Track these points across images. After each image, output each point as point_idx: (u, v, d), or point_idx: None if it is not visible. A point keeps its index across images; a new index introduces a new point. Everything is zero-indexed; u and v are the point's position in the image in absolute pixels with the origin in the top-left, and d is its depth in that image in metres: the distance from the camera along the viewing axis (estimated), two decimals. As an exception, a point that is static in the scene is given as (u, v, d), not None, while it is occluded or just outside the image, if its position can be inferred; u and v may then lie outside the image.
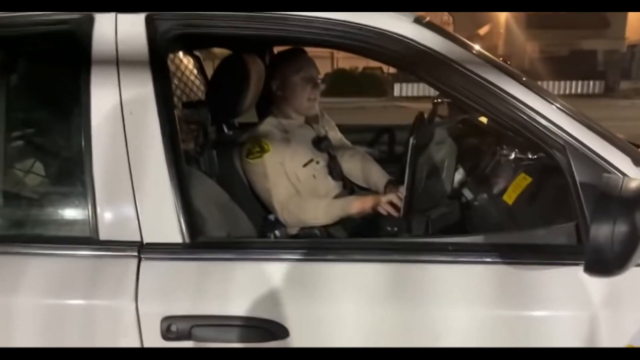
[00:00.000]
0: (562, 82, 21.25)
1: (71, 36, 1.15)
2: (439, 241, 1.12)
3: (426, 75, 1.14)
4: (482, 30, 28.64)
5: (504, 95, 1.07)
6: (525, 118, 1.07)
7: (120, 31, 1.14)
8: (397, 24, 1.12)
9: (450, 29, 30.38)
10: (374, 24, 1.12)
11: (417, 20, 1.16)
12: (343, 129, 2.41)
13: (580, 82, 21.31)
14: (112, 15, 1.14)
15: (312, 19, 1.13)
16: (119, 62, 1.12)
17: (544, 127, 1.06)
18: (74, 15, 1.15)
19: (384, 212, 1.81)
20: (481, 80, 1.08)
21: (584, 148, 1.05)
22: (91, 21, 1.14)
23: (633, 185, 0.88)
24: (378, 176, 2.20)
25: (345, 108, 13.97)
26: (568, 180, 1.05)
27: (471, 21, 27.79)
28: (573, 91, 21.31)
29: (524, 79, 1.13)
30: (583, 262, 0.90)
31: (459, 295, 1.03)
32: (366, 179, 2.23)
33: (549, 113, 1.07)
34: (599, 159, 1.04)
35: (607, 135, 1.09)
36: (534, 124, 1.07)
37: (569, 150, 1.05)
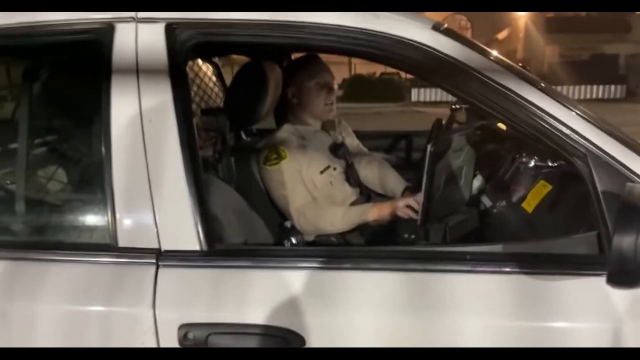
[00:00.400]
0: (583, 87, 21.01)
1: (92, 45, 1.16)
2: (457, 250, 1.11)
3: (444, 82, 1.13)
4: (501, 35, 28.43)
5: (523, 102, 1.06)
6: (545, 125, 1.05)
7: (140, 40, 1.15)
8: (415, 31, 1.12)
9: (468, 33, 30.23)
10: (392, 32, 1.12)
11: (435, 27, 1.15)
12: (360, 135, 2.41)
13: (601, 87, 21.05)
14: (132, 24, 1.16)
15: (331, 27, 1.13)
16: (138, 70, 1.13)
17: (565, 134, 1.05)
18: (95, 25, 1.17)
19: (403, 216, 1.80)
20: (500, 87, 1.07)
21: (605, 156, 1.03)
22: (112, 30, 1.16)
23: (657, 194, 0.86)
24: (395, 183, 2.19)
25: (363, 113, 13.94)
26: (589, 188, 1.03)
27: (490, 26, 27.62)
28: (594, 96, 21.05)
29: (543, 85, 1.12)
30: (605, 272, 0.89)
31: (477, 305, 1.02)
32: (383, 185, 2.22)
33: (570, 120, 1.05)
34: (622, 167, 1.02)
35: (630, 143, 1.07)
36: (554, 131, 1.05)
37: (590, 158, 1.03)
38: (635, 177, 1.01)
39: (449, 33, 1.16)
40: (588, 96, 21.01)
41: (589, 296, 1.00)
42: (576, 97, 20.89)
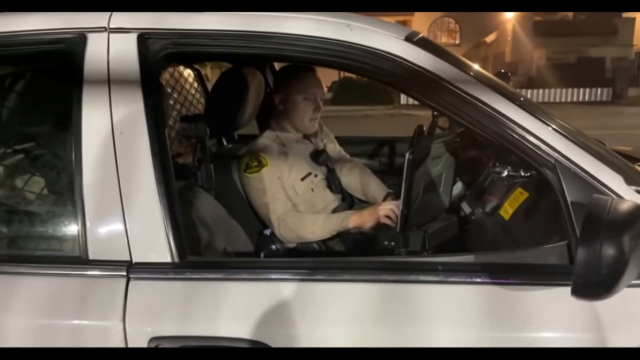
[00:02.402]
0: (570, 89, 21.23)
1: (64, 55, 1.16)
2: (429, 260, 1.11)
3: (416, 93, 1.14)
4: (489, 38, 28.62)
5: (493, 112, 1.07)
6: (515, 136, 1.06)
7: (112, 50, 1.15)
8: (387, 41, 1.13)
9: (457, 36, 30.41)
10: (364, 42, 1.12)
11: (409, 38, 1.16)
12: (342, 140, 2.41)
13: (587, 90, 21.28)
14: (104, 34, 1.15)
15: (303, 37, 1.14)
16: (110, 81, 1.13)
17: (534, 145, 1.06)
18: (67, 35, 1.16)
19: (385, 221, 1.81)
20: (469, 98, 1.08)
21: (574, 167, 1.04)
22: (84, 40, 1.15)
23: (622, 207, 0.87)
24: (376, 189, 2.19)
25: (352, 116, 13.99)
26: (559, 199, 1.04)
27: (478, 29, 27.81)
28: (581, 98, 21.28)
29: (514, 95, 1.12)
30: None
31: (449, 316, 1.02)
32: (365, 191, 2.22)
33: (539, 130, 1.06)
34: (590, 178, 1.03)
35: (600, 153, 1.08)
36: (524, 142, 1.06)
37: (559, 168, 1.04)
38: (604, 188, 1.02)
39: (422, 43, 1.16)
40: (575, 99, 21.23)
41: (559, 307, 1.00)
42: (563, 99, 21.10)
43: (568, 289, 0.96)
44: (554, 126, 1.08)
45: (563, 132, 1.08)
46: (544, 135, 1.06)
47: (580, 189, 1.02)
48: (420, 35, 1.22)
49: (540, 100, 20.61)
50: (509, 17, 26.21)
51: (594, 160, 1.05)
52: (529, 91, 21.02)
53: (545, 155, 1.05)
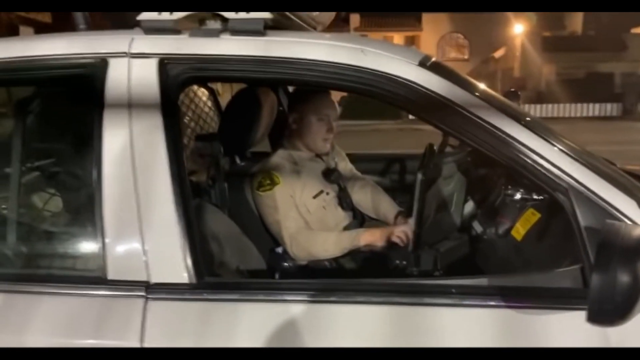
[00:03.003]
0: (579, 105, 21.17)
1: (86, 79, 1.19)
2: (444, 283, 1.12)
3: (430, 117, 1.16)
4: (498, 53, 28.64)
5: (507, 138, 1.09)
6: (528, 161, 1.08)
7: (133, 74, 1.18)
8: (401, 67, 1.15)
9: (465, 51, 30.45)
10: (379, 68, 1.14)
11: (422, 63, 1.18)
12: (354, 158, 2.43)
13: (597, 105, 21.21)
14: (125, 59, 1.19)
15: (320, 63, 1.16)
16: (131, 105, 1.16)
17: (547, 169, 1.07)
18: (89, 60, 1.20)
19: (397, 241, 1.82)
20: (484, 124, 1.10)
21: (587, 191, 1.05)
22: (105, 65, 1.19)
23: (635, 233, 0.88)
24: (388, 207, 2.20)
25: (361, 131, 14.02)
26: (572, 223, 1.05)
27: (487, 44, 27.84)
28: (590, 113, 21.21)
29: (526, 119, 1.14)
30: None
31: (462, 340, 1.03)
32: (376, 210, 2.24)
33: (551, 155, 1.07)
34: (603, 203, 1.04)
35: (612, 177, 1.09)
36: (537, 166, 1.07)
37: (572, 193, 1.05)
38: (617, 213, 1.03)
39: (435, 68, 1.18)
40: (584, 114, 21.17)
41: (574, 331, 1.01)
42: (572, 115, 21.02)
43: (582, 313, 0.97)
44: (566, 150, 1.09)
45: (575, 156, 1.09)
46: (556, 159, 1.07)
47: (593, 214, 1.03)
48: (433, 60, 1.24)
49: (549, 115, 20.57)
50: (518, 33, 26.27)
51: (607, 184, 1.06)
52: (538, 106, 20.99)
53: (558, 179, 1.06)
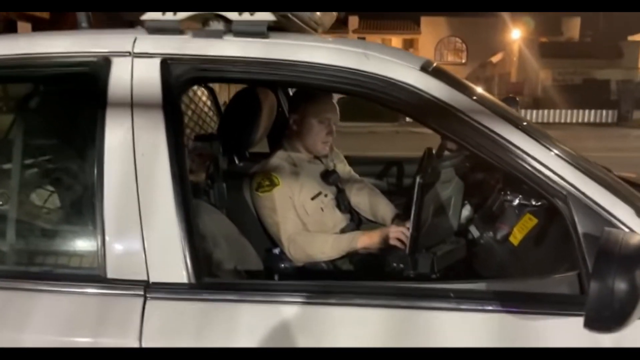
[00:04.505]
0: (575, 111, 21.28)
1: (89, 78, 1.19)
2: (442, 287, 1.13)
3: (429, 122, 1.17)
4: (495, 58, 28.77)
5: (506, 143, 1.09)
6: (527, 167, 1.08)
7: (135, 74, 1.18)
8: (403, 72, 1.16)
9: (463, 55, 30.59)
10: (381, 72, 1.15)
11: (424, 68, 1.19)
12: (352, 160, 2.44)
13: (593, 111, 21.32)
14: (128, 59, 1.19)
15: (322, 66, 1.17)
16: (133, 104, 1.16)
17: (546, 176, 1.08)
18: (92, 58, 1.20)
19: (395, 243, 1.82)
20: (483, 129, 1.10)
21: (585, 198, 1.06)
22: (108, 64, 1.19)
23: (633, 241, 0.89)
24: (385, 210, 2.21)
25: (358, 132, 14.03)
26: (570, 229, 1.06)
27: (484, 48, 27.98)
28: (586, 120, 21.31)
29: (525, 125, 1.15)
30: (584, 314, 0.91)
31: (457, 344, 1.03)
32: (374, 212, 2.24)
33: (550, 162, 1.08)
34: (601, 210, 1.05)
35: (610, 184, 1.10)
36: (536, 172, 1.08)
37: (570, 200, 1.06)
38: (615, 220, 1.04)
39: (437, 73, 1.19)
40: (580, 120, 21.28)
41: (569, 336, 1.02)
42: (568, 121, 21.12)
43: (579, 319, 0.98)
44: (565, 157, 1.10)
45: (574, 163, 1.10)
46: (555, 166, 1.08)
47: (591, 221, 1.04)
48: (435, 65, 1.25)
49: (545, 121, 20.66)
50: (515, 38, 26.39)
51: (605, 192, 1.07)
52: (534, 112, 21.08)
53: (557, 186, 1.07)
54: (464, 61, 30.27)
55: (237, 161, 2.32)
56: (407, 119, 19.47)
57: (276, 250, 1.96)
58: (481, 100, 1.17)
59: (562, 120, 21.28)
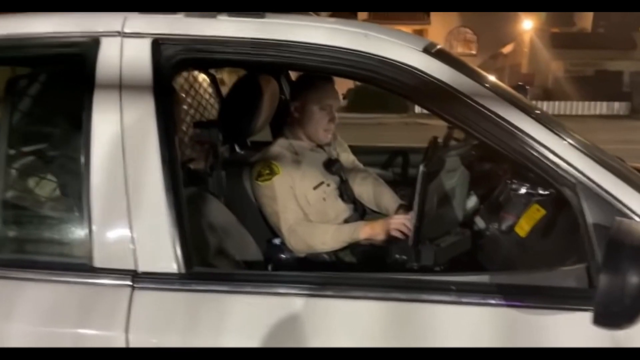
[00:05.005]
0: (587, 103, 21.06)
1: (77, 59, 1.15)
2: (443, 279, 1.08)
3: (432, 106, 1.11)
4: (506, 49, 28.47)
5: (512, 128, 1.04)
6: (534, 153, 1.03)
7: (125, 55, 1.14)
8: (404, 53, 1.10)
9: (473, 47, 30.29)
10: (381, 53, 1.10)
11: (427, 49, 1.13)
12: (356, 150, 2.38)
13: (605, 103, 21.08)
14: (118, 39, 1.14)
15: (319, 47, 1.12)
16: (122, 86, 1.11)
17: (554, 163, 1.02)
18: (81, 39, 1.16)
19: (396, 235, 1.78)
20: (488, 113, 1.05)
21: (596, 187, 1.00)
22: (97, 44, 1.14)
23: (646, 231, 0.83)
24: (389, 200, 2.16)
25: (366, 124, 13.97)
26: (579, 219, 1.01)
27: (495, 39, 27.69)
28: (598, 112, 21.10)
29: (535, 111, 1.09)
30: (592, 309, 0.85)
31: (458, 339, 0.99)
32: (377, 202, 2.19)
33: (559, 148, 1.03)
34: (612, 199, 0.99)
35: (623, 173, 1.04)
36: (543, 159, 1.02)
37: (579, 188, 1.00)
38: (627, 210, 0.98)
39: (440, 55, 1.14)
40: (592, 112, 21.06)
41: (576, 333, 0.96)
42: (580, 112, 20.91)
43: (587, 314, 0.93)
44: (574, 143, 1.05)
45: (584, 150, 1.04)
46: (564, 153, 1.02)
47: (601, 211, 0.98)
48: (439, 47, 1.20)
49: (556, 112, 20.45)
50: (527, 29, 26.08)
51: (616, 180, 1.01)
52: (545, 103, 20.87)
53: (565, 174, 1.01)
54: (474, 52, 29.97)
55: (237, 149, 2.27)
56: (416, 110, 19.45)
57: (276, 241, 1.92)
58: (486, 84, 1.11)
59: (574, 113, 21.06)
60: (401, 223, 1.78)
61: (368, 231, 1.84)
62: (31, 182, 1.32)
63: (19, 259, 1.23)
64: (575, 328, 0.97)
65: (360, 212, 2.18)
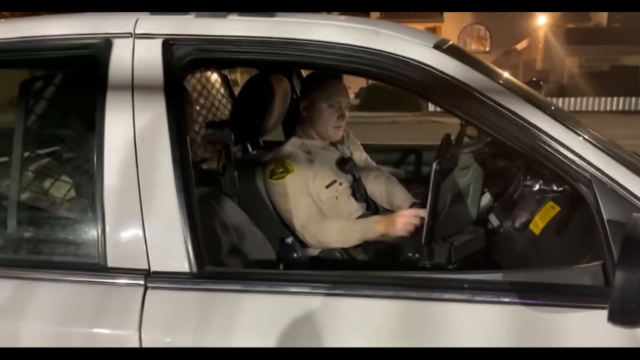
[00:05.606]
0: (603, 98, 20.76)
1: (89, 60, 1.16)
2: (455, 277, 1.07)
3: (445, 102, 1.11)
4: (520, 45, 28.19)
5: (526, 124, 1.03)
6: (549, 149, 1.01)
7: (137, 56, 1.14)
8: (416, 49, 1.09)
9: (487, 43, 30.04)
10: (392, 50, 1.09)
11: (438, 45, 1.12)
12: (369, 148, 2.38)
13: (621, 98, 20.76)
14: (130, 40, 1.15)
15: (331, 44, 1.12)
16: (134, 87, 1.12)
17: (568, 158, 1.01)
18: (93, 40, 1.16)
19: (407, 229, 1.77)
20: (501, 109, 1.04)
21: (612, 182, 0.98)
22: (109, 46, 1.15)
23: (664, 227, 0.82)
24: (402, 199, 2.15)
25: (380, 122, 13.91)
26: (595, 216, 0.99)
27: (508, 36, 27.42)
28: (614, 107, 20.78)
29: (550, 107, 1.08)
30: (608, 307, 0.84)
31: (472, 338, 0.97)
32: (390, 201, 2.18)
33: (574, 144, 1.01)
34: (629, 195, 0.97)
35: (639, 168, 1.02)
36: (558, 155, 1.01)
37: (595, 184, 0.99)
38: (643, 206, 0.97)
39: (452, 51, 1.13)
40: (608, 108, 20.74)
41: (592, 331, 0.95)
42: (596, 108, 20.63)
43: (602, 312, 0.91)
44: (589, 139, 1.03)
45: (599, 145, 1.03)
46: (579, 148, 1.01)
47: (617, 207, 0.97)
48: (450, 43, 1.19)
49: (572, 108, 20.19)
50: (541, 24, 25.79)
51: (633, 176, 0.99)
52: (561, 99, 20.62)
53: (581, 169, 1.00)
54: (487, 49, 29.72)
55: (250, 149, 2.27)
56: (430, 108, 19.34)
57: (288, 240, 1.92)
58: (499, 80, 1.10)
59: (589, 108, 20.76)
60: (413, 215, 1.77)
61: (381, 228, 1.83)
62: (46, 184, 1.34)
63: (34, 259, 1.24)
64: (590, 327, 0.95)
65: (373, 211, 2.17)
